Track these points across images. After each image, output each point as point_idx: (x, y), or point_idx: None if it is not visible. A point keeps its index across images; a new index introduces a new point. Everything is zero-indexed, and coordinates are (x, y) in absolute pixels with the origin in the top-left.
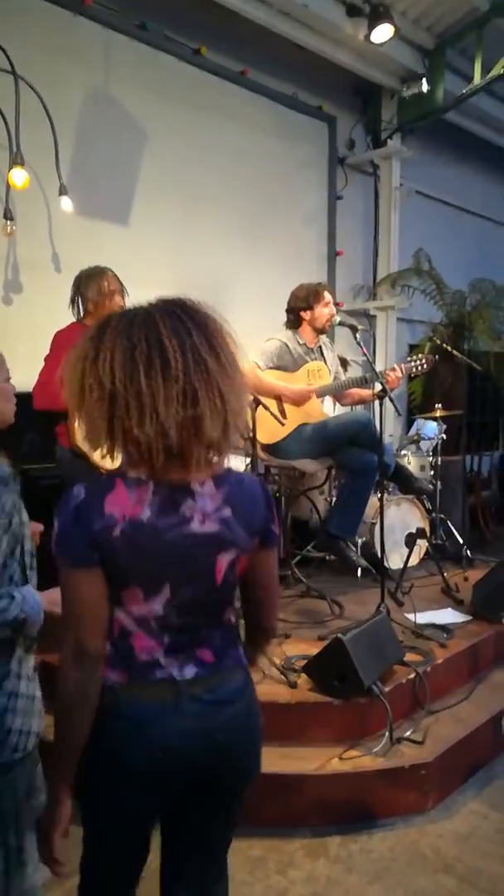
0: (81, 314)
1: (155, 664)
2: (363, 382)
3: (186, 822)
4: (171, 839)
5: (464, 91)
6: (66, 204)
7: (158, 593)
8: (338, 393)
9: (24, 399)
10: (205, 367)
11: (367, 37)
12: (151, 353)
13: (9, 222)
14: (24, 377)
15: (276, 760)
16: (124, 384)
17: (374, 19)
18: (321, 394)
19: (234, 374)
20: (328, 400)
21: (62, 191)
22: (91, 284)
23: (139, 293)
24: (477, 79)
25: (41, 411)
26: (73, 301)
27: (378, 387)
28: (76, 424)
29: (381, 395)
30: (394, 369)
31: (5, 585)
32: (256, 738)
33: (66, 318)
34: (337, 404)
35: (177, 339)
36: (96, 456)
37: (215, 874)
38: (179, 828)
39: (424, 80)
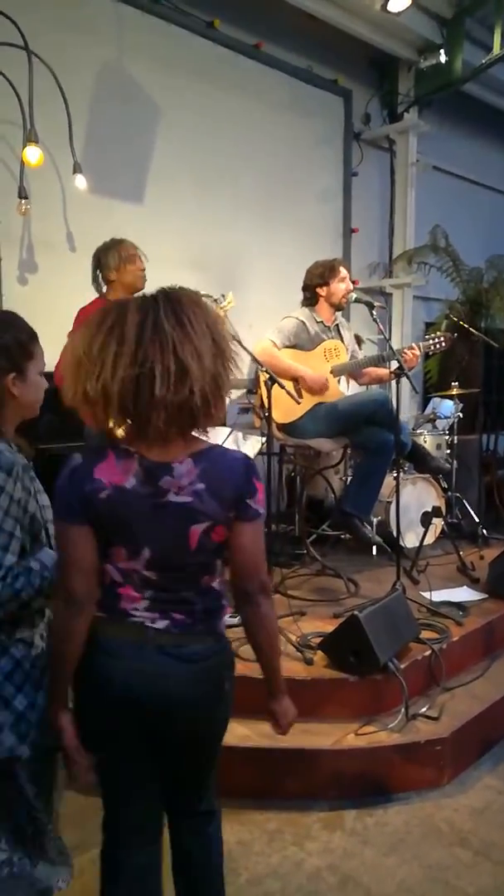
0: (104, 289)
1: (133, 611)
2: (380, 361)
3: (163, 764)
4: (160, 781)
5: (483, 61)
6: (81, 182)
7: (139, 554)
8: (355, 372)
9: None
10: (163, 334)
11: (384, 6)
12: (113, 325)
13: (23, 201)
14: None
15: (293, 735)
16: (85, 350)
17: None
18: (338, 373)
19: (200, 342)
20: (344, 379)
21: (76, 168)
22: (110, 253)
23: (154, 271)
24: (496, 49)
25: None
26: (94, 277)
27: (395, 365)
28: None
29: (399, 374)
30: (412, 348)
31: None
32: (213, 705)
33: (82, 296)
34: (353, 383)
35: (140, 313)
36: (120, 432)
37: (203, 812)
38: (162, 769)
39: (442, 50)
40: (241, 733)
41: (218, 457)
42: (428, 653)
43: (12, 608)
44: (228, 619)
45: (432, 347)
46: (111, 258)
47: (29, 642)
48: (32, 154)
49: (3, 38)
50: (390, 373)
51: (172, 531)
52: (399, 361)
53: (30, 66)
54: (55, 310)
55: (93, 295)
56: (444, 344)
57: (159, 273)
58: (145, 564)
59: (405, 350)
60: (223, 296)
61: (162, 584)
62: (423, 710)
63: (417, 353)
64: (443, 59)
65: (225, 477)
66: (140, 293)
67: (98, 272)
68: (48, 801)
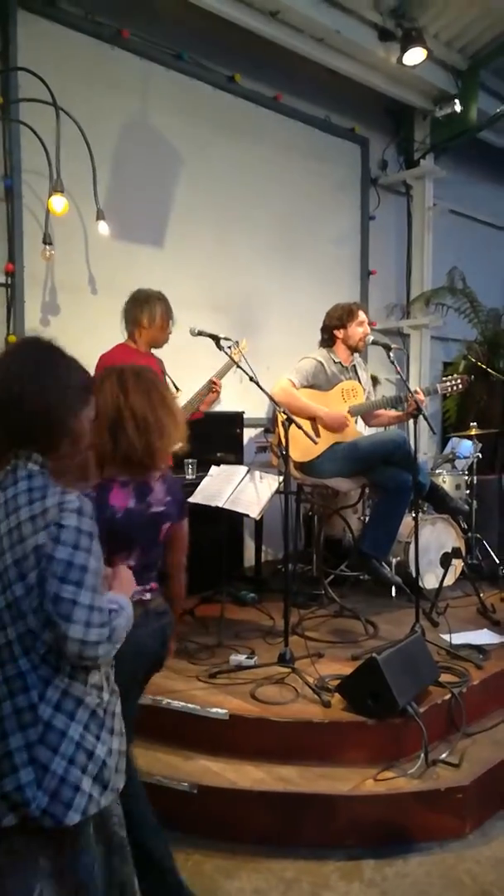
0: (128, 330)
1: (134, 593)
2: (398, 402)
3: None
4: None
5: (498, 110)
6: (103, 228)
7: (132, 552)
8: (367, 413)
9: None
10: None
11: (400, 60)
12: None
13: (48, 247)
14: None
15: (310, 780)
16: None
17: (407, 43)
18: (355, 413)
19: (162, 414)
20: (359, 418)
21: (99, 216)
22: (157, 307)
23: (175, 314)
24: None
25: None
26: (128, 320)
27: (413, 405)
28: None
29: (416, 414)
30: (417, 392)
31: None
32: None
33: (102, 337)
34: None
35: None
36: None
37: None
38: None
39: (457, 100)
40: (256, 776)
41: (170, 478)
42: (448, 697)
43: (106, 650)
44: (245, 660)
45: (450, 389)
46: (155, 311)
47: (100, 687)
48: (58, 203)
49: (32, 95)
50: (404, 414)
51: (153, 532)
52: (417, 403)
53: (57, 120)
54: (76, 351)
55: (113, 336)
56: (461, 386)
57: (180, 316)
58: (135, 558)
59: (409, 395)
60: (237, 342)
61: (142, 568)
62: (444, 756)
63: (422, 397)
64: (458, 108)
65: (177, 491)
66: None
67: (137, 313)
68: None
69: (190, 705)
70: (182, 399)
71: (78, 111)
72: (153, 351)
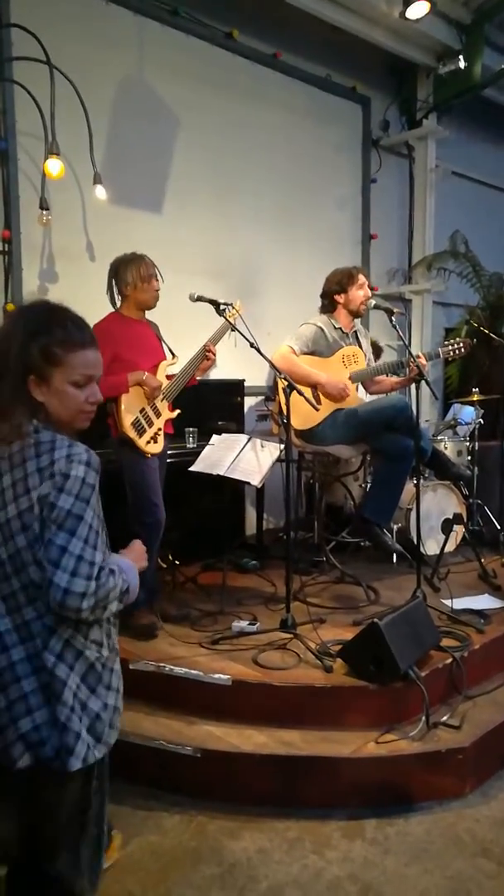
0: (118, 303)
1: None
2: (399, 367)
3: None
4: None
5: (502, 66)
6: (101, 192)
7: None
8: (367, 379)
9: None
10: None
11: (403, 14)
12: None
13: (44, 212)
14: None
15: (312, 743)
16: None
17: None
18: (356, 379)
19: None
20: (361, 385)
21: (96, 179)
22: (129, 268)
23: (173, 280)
24: None
25: None
26: (109, 288)
27: (415, 370)
28: (122, 413)
29: (418, 379)
30: (419, 357)
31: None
32: None
33: (102, 305)
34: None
35: None
36: (141, 442)
37: None
38: None
39: (461, 56)
40: (259, 741)
41: None
42: (449, 661)
43: (99, 610)
44: (247, 626)
45: (451, 353)
46: (129, 274)
47: (100, 643)
48: (54, 166)
49: (26, 53)
50: (405, 380)
51: None
52: (419, 367)
53: (51, 79)
54: None
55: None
56: (463, 349)
57: (179, 281)
58: None
59: (411, 361)
60: (231, 304)
61: None
62: (445, 718)
63: (424, 361)
64: (462, 64)
65: None
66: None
67: (114, 284)
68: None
69: (193, 671)
70: (178, 366)
71: (72, 70)
72: (147, 315)
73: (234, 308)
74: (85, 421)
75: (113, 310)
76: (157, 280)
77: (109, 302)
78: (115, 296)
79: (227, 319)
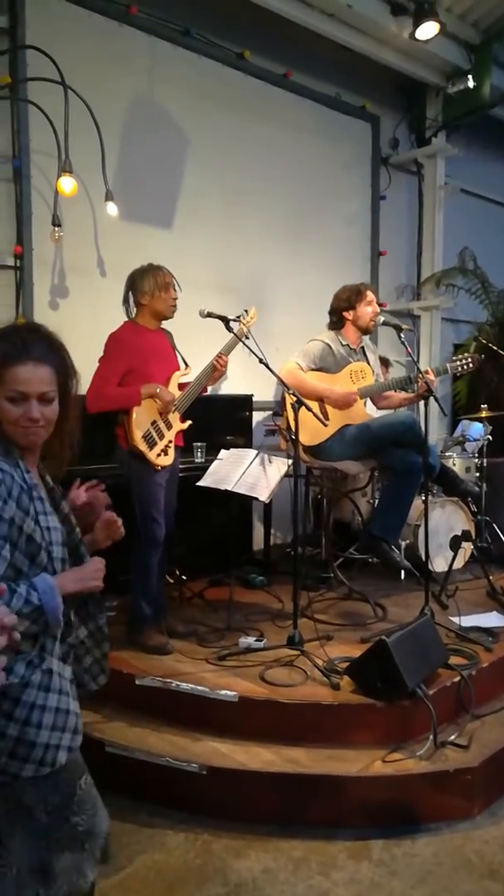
0: (133, 313)
1: None
2: (407, 383)
3: None
4: None
5: None
6: (112, 209)
7: None
8: (376, 395)
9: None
10: None
11: (412, 35)
12: None
13: (56, 229)
14: None
15: (318, 761)
16: None
17: (419, 17)
18: (364, 395)
19: None
20: (368, 401)
21: (108, 196)
22: (146, 278)
23: (183, 294)
24: None
25: (98, 414)
26: (125, 300)
27: (424, 386)
28: (133, 425)
29: (426, 396)
30: (427, 372)
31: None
32: None
33: (112, 320)
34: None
35: None
36: (151, 455)
37: None
38: None
39: (470, 76)
40: (266, 758)
41: None
42: (457, 679)
43: None
44: (254, 642)
45: (460, 369)
46: (146, 283)
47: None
48: (67, 184)
49: (40, 73)
50: (414, 396)
51: None
52: (427, 384)
53: (65, 98)
54: (85, 334)
55: (122, 318)
56: (471, 365)
57: (188, 296)
58: None
59: (419, 377)
60: (246, 311)
61: None
62: (453, 737)
63: (432, 377)
64: (471, 84)
65: None
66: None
67: (130, 294)
68: None
69: (199, 687)
70: (190, 376)
71: (86, 90)
72: (163, 325)
73: (248, 315)
74: (24, 437)
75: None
76: (175, 290)
77: (125, 314)
78: (131, 307)
79: (235, 334)
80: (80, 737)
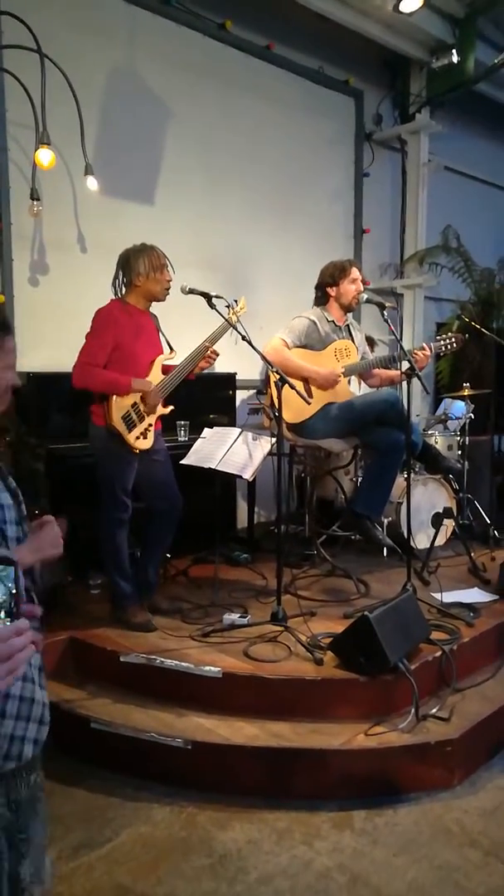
0: (123, 291)
1: None
2: (391, 361)
3: None
4: None
5: (495, 61)
6: (92, 183)
7: None
8: (364, 372)
9: (50, 379)
10: None
11: (396, 7)
12: None
13: (35, 203)
14: (51, 358)
15: (302, 735)
16: None
17: None
18: (348, 373)
19: None
20: (354, 379)
21: (88, 170)
22: (141, 258)
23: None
24: None
25: (77, 390)
26: (116, 276)
27: (406, 365)
28: (113, 405)
29: (410, 374)
30: (423, 348)
31: None
32: None
33: (93, 297)
34: (363, 384)
35: None
36: (130, 437)
37: None
38: None
39: (454, 50)
40: (250, 733)
41: None
42: (438, 654)
43: None
44: (238, 619)
45: (444, 348)
46: (141, 263)
47: None
48: (45, 156)
49: (16, 41)
50: (401, 373)
51: None
52: (410, 362)
53: (42, 68)
54: (66, 310)
55: (103, 294)
56: (455, 344)
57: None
58: None
59: (416, 350)
60: (236, 301)
61: None
62: (434, 710)
63: (428, 353)
64: (455, 58)
65: None
66: None
67: (122, 273)
68: None
69: (183, 664)
70: (176, 360)
71: (64, 60)
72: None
73: (238, 305)
74: None
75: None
76: (169, 271)
77: (114, 292)
78: (120, 286)
79: (223, 316)
80: (47, 728)
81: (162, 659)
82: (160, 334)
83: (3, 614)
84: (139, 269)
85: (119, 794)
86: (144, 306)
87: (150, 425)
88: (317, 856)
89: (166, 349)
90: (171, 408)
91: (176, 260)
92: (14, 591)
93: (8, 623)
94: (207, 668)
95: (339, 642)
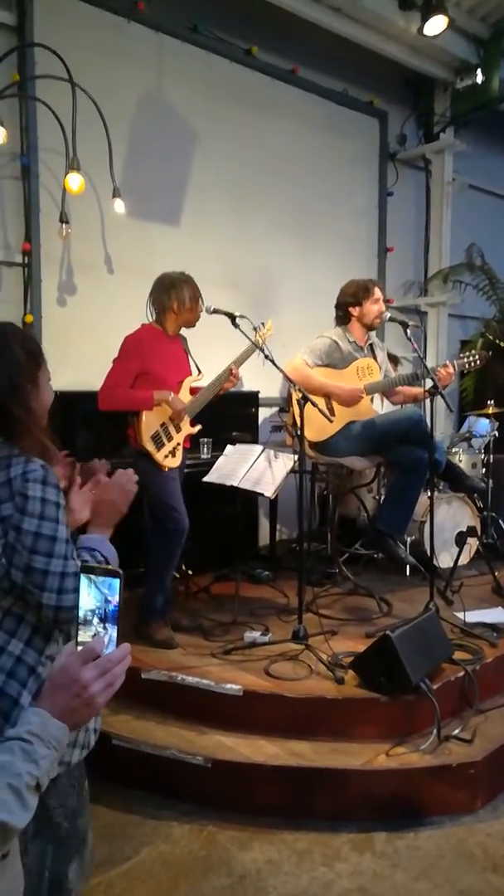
0: (154, 315)
1: None
2: (414, 379)
3: None
4: None
5: None
6: (119, 206)
7: None
8: (388, 390)
9: (76, 398)
10: None
11: (420, 30)
12: None
13: (64, 226)
14: (78, 377)
15: (323, 755)
16: None
17: (428, 11)
18: (371, 391)
19: None
20: (377, 397)
21: (115, 193)
22: (186, 288)
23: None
24: None
25: (108, 412)
26: (154, 301)
27: (430, 383)
28: (143, 426)
29: (433, 392)
30: (445, 366)
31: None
32: None
33: (118, 317)
34: (387, 402)
35: None
36: (159, 455)
37: None
38: None
39: (479, 70)
40: (271, 751)
41: None
42: (461, 674)
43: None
44: (259, 637)
45: (467, 365)
46: (186, 292)
47: (54, 658)
48: (74, 181)
49: (48, 71)
50: (424, 391)
51: None
52: (433, 380)
53: (73, 96)
54: (93, 330)
55: (130, 315)
56: (478, 362)
57: None
58: None
59: (439, 368)
60: (262, 324)
61: None
62: (456, 732)
63: (452, 370)
64: (479, 79)
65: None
66: None
67: (163, 297)
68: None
69: (204, 681)
70: (203, 381)
71: (94, 87)
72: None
73: (264, 328)
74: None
75: (144, 321)
76: (201, 302)
77: (147, 315)
78: (153, 308)
79: (248, 338)
80: (95, 736)
81: (183, 676)
82: (189, 357)
83: (96, 620)
84: (184, 298)
85: (139, 812)
86: (176, 331)
87: (179, 444)
88: (337, 878)
89: (194, 371)
90: (199, 427)
91: (201, 280)
92: (110, 602)
93: (101, 629)
94: (228, 685)
95: (361, 661)
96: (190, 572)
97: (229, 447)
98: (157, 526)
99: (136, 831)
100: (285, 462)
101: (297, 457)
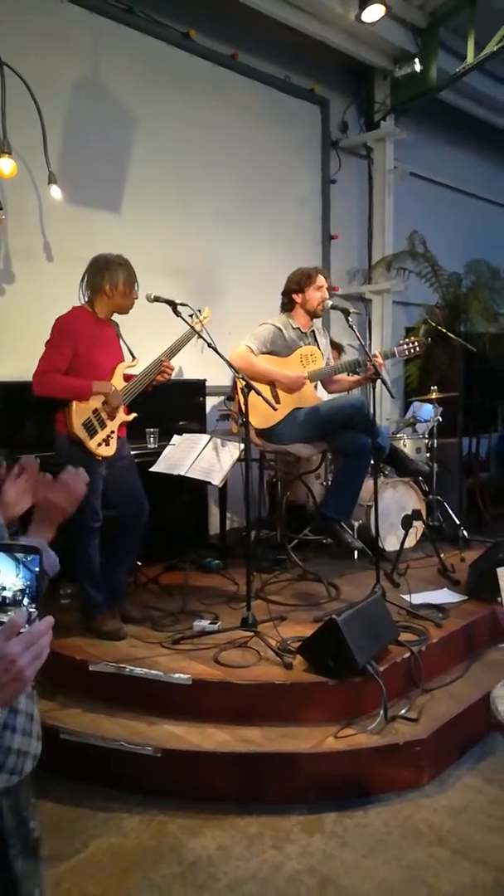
0: (86, 297)
1: None
2: (356, 366)
3: None
4: None
5: (457, 70)
6: (56, 192)
7: None
8: (326, 378)
9: (20, 389)
10: None
11: (358, 17)
12: None
13: None
14: (19, 368)
15: (272, 740)
16: None
17: None
18: (314, 378)
19: None
20: (320, 384)
21: (51, 179)
22: (121, 271)
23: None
24: (470, 57)
25: (40, 398)
26: (85, 280)
27: (372, 369)
28: (73, 411)
29: (374, 378)
30: (375, 356)
31: None
32: None
33: (59, 305)
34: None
35: None
36: (92, 443)
37: None
38: None
39: (417, 59)
40: (220, 739)
41: None
42: (407, 655)
43: None
44: (208, 625)
45: (407, 352)
46: (120, 276)
47: None
48: (6, 165)
49: None
50: (365, 377)
51: None
52: (374, 366)
53: (2, 77)
54: (32, 319)
55: (70, 304)
56: (417, 348)
57: (139, 281)
58: None
59: (368, 360)
60: (199, 310)
61: None
62: (403, 711)
63: (380, 360)
64: (418, 67)
65: None
66: None
67: (96, 279)
68: None
69: (153, 672)
70: (136, 368)
71: (25, 68)
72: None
73: (201, 314)
74: None
75: (79, 304)
76: (136, 287)
77: (80, 297)
78: (86, 291)
79: (189, 324)
80: (40, 744)
81: (131, 667)
82: (121, 342)
83: (26, 600)
84: (117, 281)
85: (89, 805)
86: (107, 315)
87: (113, 432)
88: (287, 860)
89: (128, 357)
90: (134, 415)
91: (144, 267)
92: (38, 577)
93: (32, 609)
94: (177, 675)
95: (308, 646)
96: (139, 563)
97: (176, 437)
98: (75, 519)
99: (85, 824)
100: (232, 451)
101: (243, 445)
